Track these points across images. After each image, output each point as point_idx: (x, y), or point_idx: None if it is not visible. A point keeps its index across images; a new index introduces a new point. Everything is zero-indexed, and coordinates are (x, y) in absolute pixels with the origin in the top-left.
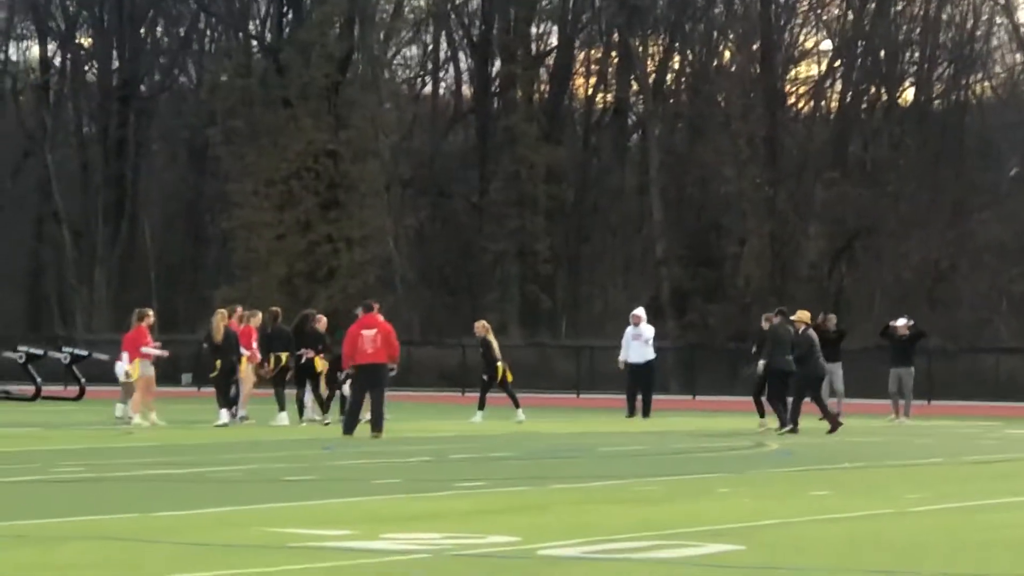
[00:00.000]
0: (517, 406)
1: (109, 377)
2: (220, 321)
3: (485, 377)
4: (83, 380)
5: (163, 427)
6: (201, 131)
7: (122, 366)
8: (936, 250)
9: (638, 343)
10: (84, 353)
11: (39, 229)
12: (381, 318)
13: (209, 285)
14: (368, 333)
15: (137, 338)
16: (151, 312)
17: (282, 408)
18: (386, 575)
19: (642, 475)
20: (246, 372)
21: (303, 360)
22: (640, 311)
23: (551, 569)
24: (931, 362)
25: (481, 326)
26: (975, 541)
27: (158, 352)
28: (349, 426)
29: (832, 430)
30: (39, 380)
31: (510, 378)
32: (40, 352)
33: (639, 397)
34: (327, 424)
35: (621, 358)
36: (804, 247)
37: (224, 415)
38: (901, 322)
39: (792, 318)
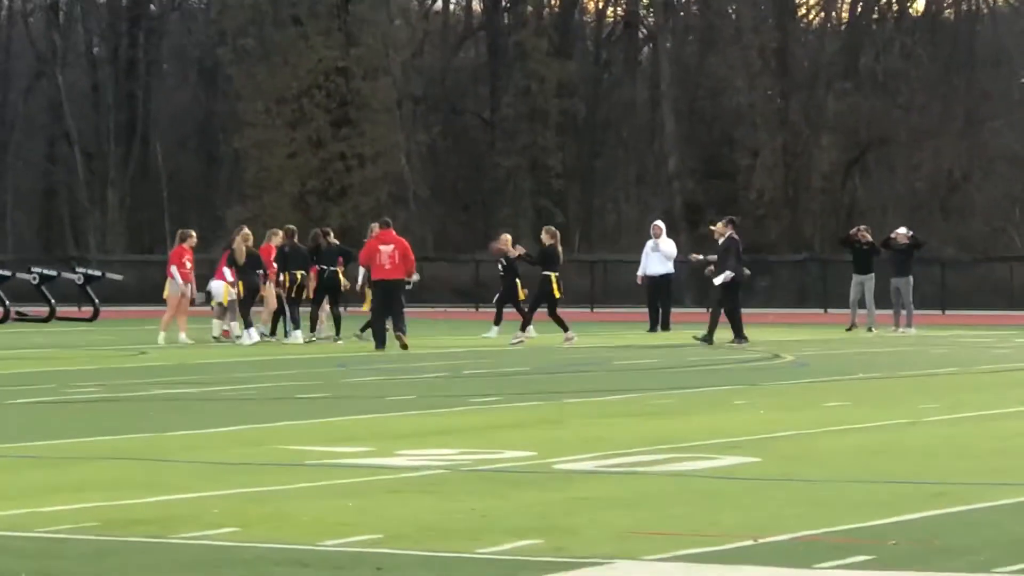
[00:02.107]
0: (527, 325)
1: (122, 297)
2: (243, 242)
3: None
4: (97, 301)
5: (191, 345)
6: (212, 50)
7: (218, 285)
8: (949, 160)
9: (657, 256)
10: (97, 274)
11: (51, 150)
12: (395, 235)
13: (222, 204)
14: (385, 249)
15: (172, 257)
16: (193, 233)
17: (296, 327)
18: (402, 491)
19: (657, 388)
20: (268, 291)
21: (326, 274)
22: (660, 223)
23: (566, 483)
24: (944, 272)
25: (505, 240)
26: (989, 449)
27: (180, 281)
28: (380, 340)
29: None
30: (53, 301)
31: (522, 296)
32: (53, 273)
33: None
34: (339, 342)
35: (640, 272)
36: (817, 159)
37: (254, 333)
38: (901, 231)
39: (712, 229)
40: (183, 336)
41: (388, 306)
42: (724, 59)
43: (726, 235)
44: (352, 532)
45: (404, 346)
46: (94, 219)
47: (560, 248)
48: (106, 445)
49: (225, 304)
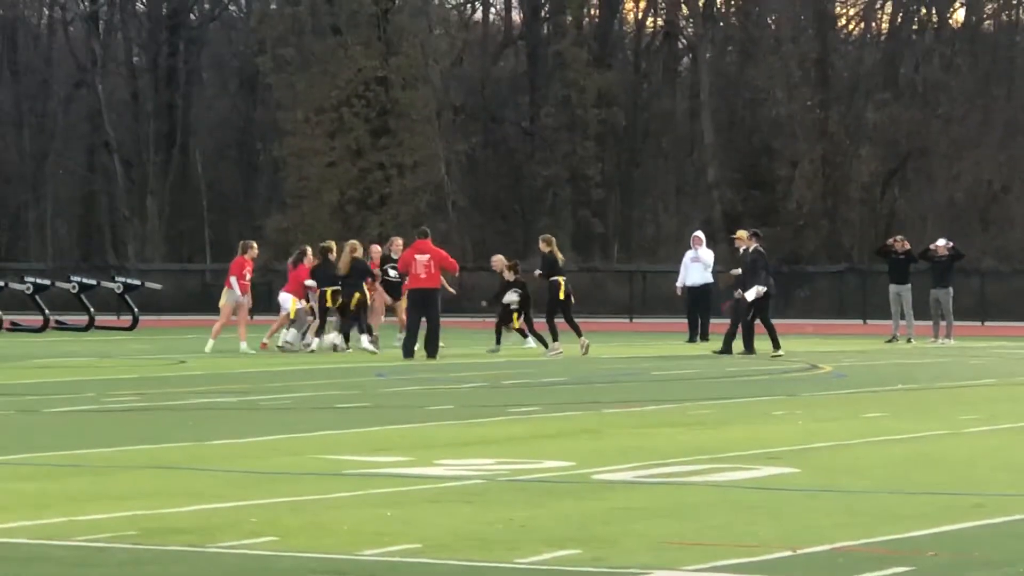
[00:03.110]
0: (525, 336)
1: (161, 306)
2: (349, 253)
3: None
4: (136, 310)
5: (252, 354)
6: (251, 60)
7: (286, 297)
8: (988, 171)
9: (697, 266)
10: (137, 283)
11: (91, 159)
12: (431, 244)
13: (261, 213)
14: (421, 258)
15: (233, 268)
16: (255, 244)
17: (362, 331)
18: (441, 500)
19: (696, 399)
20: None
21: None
22: (700, 234)
23: (606, 493)
24: (984, 283)
25: (497, 261)
26: None
27: (239, 292)
28: (408, 349)
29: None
30: (92, 310)
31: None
32: (93, 282)
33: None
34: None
35: (679, 282)
36: (856, 169)
37: (365, 340)
38: (941, 243)
39: (734, 237)
40: (244, 345)
41: (422, 315)
42: (763, 69)
43: (751, 248)
44: (391, 542)
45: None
46: (133, 228)
47: (559, 253)
48: (145, 454)
49: (292, 316)
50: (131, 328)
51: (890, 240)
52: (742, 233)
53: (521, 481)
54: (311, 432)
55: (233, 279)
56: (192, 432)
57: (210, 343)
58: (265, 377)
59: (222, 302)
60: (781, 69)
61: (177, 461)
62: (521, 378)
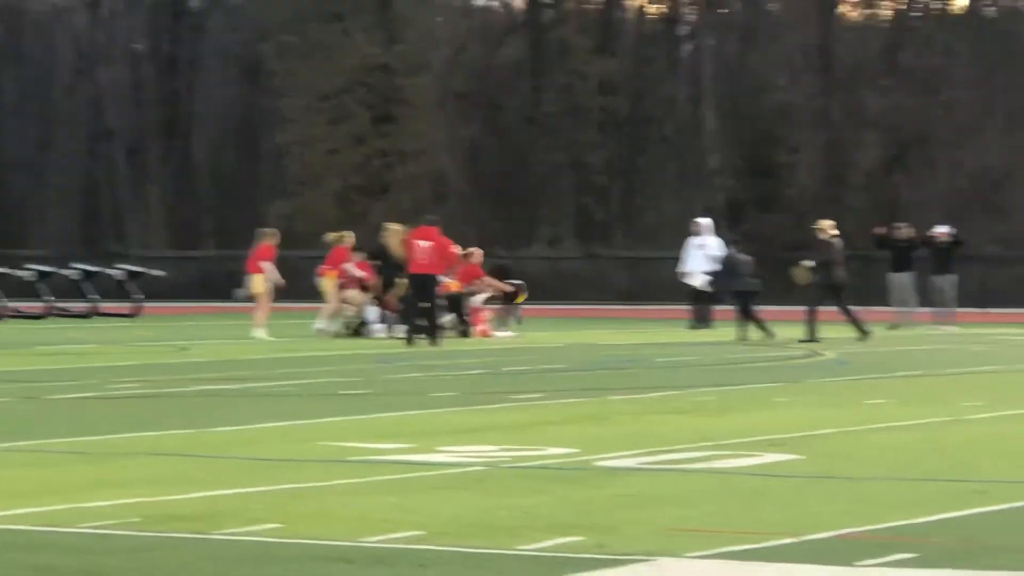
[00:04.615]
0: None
1: (163, 293)
2: (395, 238)
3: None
4: (139, 297)
5: (272, 341)
6: (253, 47)
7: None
8: (990, 158)
9: (699, 254)
10: (139, 270)
11: (92, 147)
12: (437, 233)
13: (263, 200)
14: (423, 244)
15: (262, 253)
16: (276, 231)
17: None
18: (444, 487)
19: (699, 385)
20: (331, 288)
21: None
22: (704, 220)
23: (609, 480)
24: (986, 270)
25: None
26: None
27: (272, 274)
28: (410, 336)
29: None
30: (95, 297)
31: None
32: (95, 269)
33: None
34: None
35: (679, 268)
36: (858, 156)
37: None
38: (942, 229)
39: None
40: (261, 332)
41: (423, 300)
42: (766, 56)
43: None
44: (394, 528)
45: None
46: (135, 215)
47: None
48: (147, 441)
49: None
50: (133, 315)
51: (883, 228)
52: (825, 223)
53: (524, 468)
54: (314, 419)
55: (266, 264)
56: (194, 419)
57: (260, 331)
58: (268, 364)
59: (258, 288)
60: (783, 56)
61: (179, 448)
62: (523, 365)
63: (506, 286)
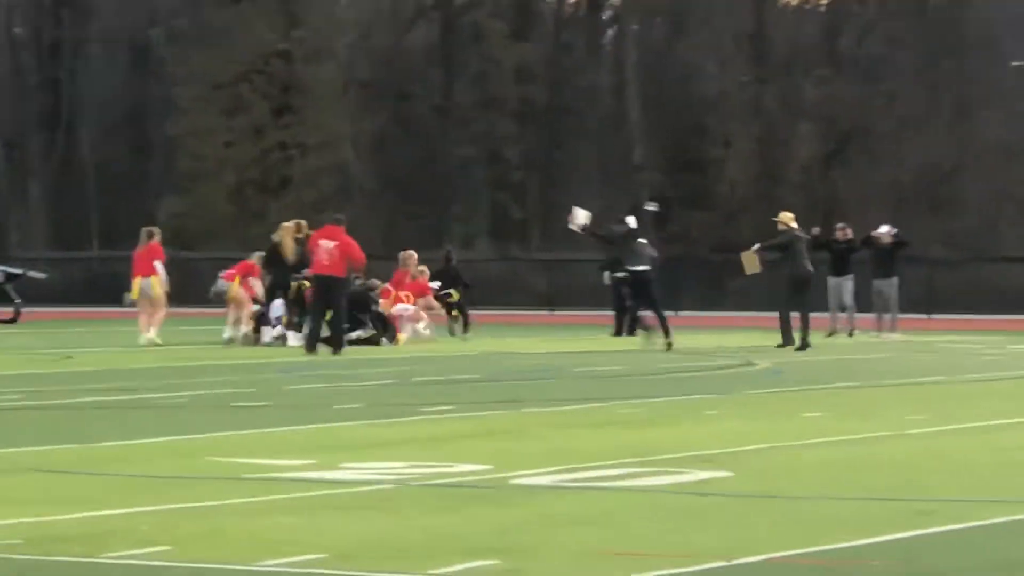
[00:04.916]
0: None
1: (46, 297)
2: (288, 236)
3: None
4: (18, 301)
5: (162, 349)
6: (143, 31)
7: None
8: (936, 152)
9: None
10: (18, 272)
11: None
12: (344, 233)
13: (153, 197)
14: (325, 244)
15: (154, 252)
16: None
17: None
18: (348, 507)
19: (621, 397)
20: (238, 293)
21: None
22: (629, 219)
23: (524, 499)
24: (931, 273)
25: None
26: (980, 464)
27: (163, 275)
28: (310, 343)
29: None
30: None
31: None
32: None
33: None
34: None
35: (607, 271)
36: (794, 149)
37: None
38: (884, 230)
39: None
40: (149, 335)
41: (326, 304)
42: (694, 43)
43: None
44: (294, 551)
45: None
46: (15, 213)
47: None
48: (30, 456)
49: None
50: (13, 321)
51: (816, 230)
52: (786, 215)
53: (434, 486)
54: (207, 433)
55: (159, 264)
56: (80, 433)
57: (148, 337)
58: (158, 373)
59: (157, 291)
60: (713, 42)
61: (65, 464)
62: (433, 374)
63: (439, 302)
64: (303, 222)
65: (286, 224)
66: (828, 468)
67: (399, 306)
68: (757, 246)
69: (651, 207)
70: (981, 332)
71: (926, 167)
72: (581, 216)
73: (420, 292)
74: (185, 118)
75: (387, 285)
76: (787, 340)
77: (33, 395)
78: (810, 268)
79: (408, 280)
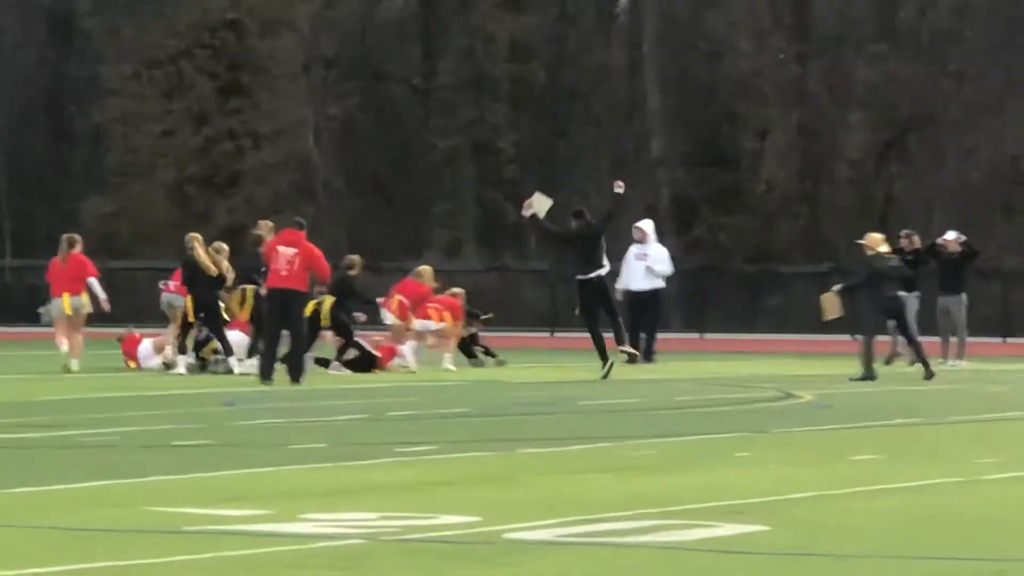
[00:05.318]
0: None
1: None
2: (202, 248)
3: None
4: None
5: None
6: (64, 0)
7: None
8: (1012, 144)
9: (639, 266)
10: None
11: None
12: (305, 239)
13: (75, 195)
14: (285, 251)
15: (88, 267)
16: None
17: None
18: (307, 566)
19: (636, 436)
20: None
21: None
22: (646, 224)
23: (519, 557)
24: (1006, 288)
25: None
26: None
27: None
28: (266, 369)
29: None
30: None
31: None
32: None
33: (642, 336)
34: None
35: (619, 285)
36: (843, 141)
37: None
38: (951, 237)
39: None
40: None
41: (283, 323)
42: (725, 14)
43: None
44: None
45: (295, 380)
46: None
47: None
48: None
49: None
50: None
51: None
52: (875, 237)
53: (411, 541)
54: (141, 477)
55: (93, 280)
56: None
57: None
58: (82, 405)
59: (88, 308)
60: (747, 13)
61: None
62: (411, 408)
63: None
64: (224, 245)
65: (266, 222)
66: (884, 521)
67: (422, 322)
68: (839, 287)
69: (619, 189)
70: None
71: (1000, 162)
72: (540, 202)
73: (455, 312)
74: (114, 102)
75: (399, 296)
76: (868, 373)
77: None
78: (900, 294)
79: (432, 295)
